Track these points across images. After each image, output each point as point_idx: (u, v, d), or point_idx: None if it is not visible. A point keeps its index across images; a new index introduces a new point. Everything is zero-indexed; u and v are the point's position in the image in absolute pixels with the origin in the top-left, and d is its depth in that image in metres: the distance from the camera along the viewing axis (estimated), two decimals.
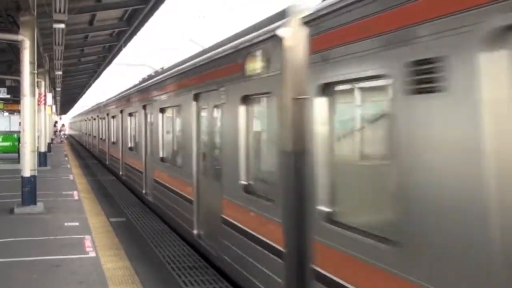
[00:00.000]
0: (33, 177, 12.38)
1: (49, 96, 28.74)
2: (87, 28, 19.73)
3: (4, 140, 25.79)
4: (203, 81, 8.27)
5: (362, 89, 4.30)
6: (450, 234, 3.02)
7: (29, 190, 12.23)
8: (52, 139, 39.06)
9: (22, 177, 12.33)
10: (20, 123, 25.82)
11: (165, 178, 11.20)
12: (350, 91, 4.42)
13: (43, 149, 23.22)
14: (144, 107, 13.76)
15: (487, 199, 2.74)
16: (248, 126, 6.56)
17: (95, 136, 30.87)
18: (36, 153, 13.21)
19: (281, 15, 5.61)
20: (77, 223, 10.72)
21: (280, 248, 5.19)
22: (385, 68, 3.62)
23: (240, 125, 6.61)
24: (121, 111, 18.83)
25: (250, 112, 6.55)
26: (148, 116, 13.37)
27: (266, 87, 5.69)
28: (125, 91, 19.29)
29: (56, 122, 50.22)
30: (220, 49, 7.51)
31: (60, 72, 23.53)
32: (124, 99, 18.51)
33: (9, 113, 34.16)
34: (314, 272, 4.57)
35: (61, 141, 49.54)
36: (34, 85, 12.94)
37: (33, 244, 9.01)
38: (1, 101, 29.01)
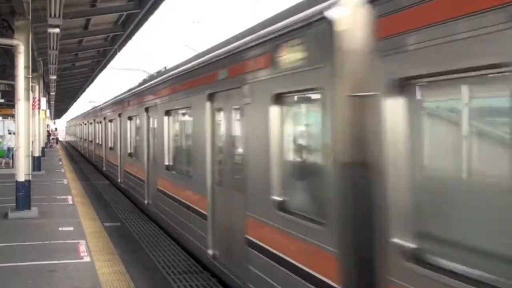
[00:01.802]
0: (27, 181, 12.35)
1: (43, 101, 28.69)
2: (82, 33, 19.73)
3: None
4: None
5: (457, 85, 3.30)
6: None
7: (23, 194, 12.19)
8: (46, 143, 38.94)
9: (16, 181, 12.29)
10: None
11: (287, 246, 5.17)
12: (438, 87, 3.51)
13: (37, 153, 23.15)
14: (211, 97, 7.56)
15: None
16: None
17: (100, 144, 24.79)
18: (30, 157, 13.17)
19: None
20: (71, 228, 10.69)
21: None
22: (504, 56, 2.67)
23: None
24: (147, 109, 12.56)
25: None
26: (232, 116, 7.00)
27: None
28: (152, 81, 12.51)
29: (48, 126, 49.73)
30: None
31: (55, 77, 23.51)
32: (155, 90, 11.73)
33: (3, 118, 34.04)
34: None
35: (51, 145, 48.73)
36: (28, 89, 12.92)
37: (27, 249, 8.98)
38: None
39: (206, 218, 7.69)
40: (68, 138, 69.57)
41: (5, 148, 25.01)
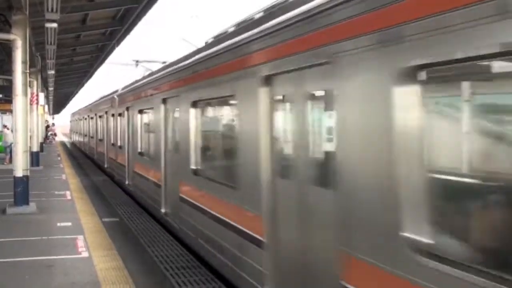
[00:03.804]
0: (26, 177, 12.32)
1: (41, 96, 28.61)
2: (80, 27, 19.64)
3: None
4: None
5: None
6: None
7: (22, 190, 12.17)
8: (44, 139, 38.84)
9: (14, 177, 12.26)
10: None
11: None
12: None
13: (35, 148, 23.10)
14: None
15: None
16: None
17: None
18: (28, 153, 13.13)
19: None
20: (69, 223, 10.68)
21: None
22: None
23: None
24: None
25: None
26: None
27: None
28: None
29: (46, 121, 49.39)
30: None
31: (53, 72, 23.42)
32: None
33: (1, 113, 33.93)
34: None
35: (50, 141, 48.38)
36: (26, 84, 12.87)
37: (25, 245, 8.97)
38: None
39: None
40: (76, 138, 46.71)
41: (5, 144, 24.80)
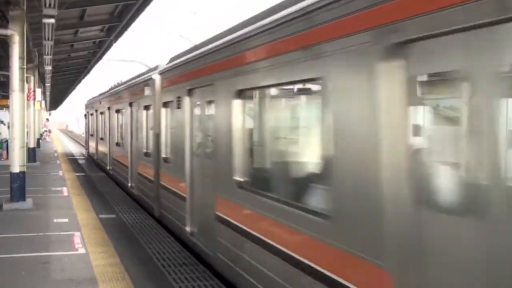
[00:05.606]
0: (22, 173, 12.29)
1: (38, 92, 28.53)
2: (78, 23, 19.55)
3: None
4: None
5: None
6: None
7: (18, 186, 12.14)
8: (41, 135, 38.73)
9: (11, 173, 12.22)
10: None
11: None
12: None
13: (32, 144, 23.04)
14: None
15: None
16: None
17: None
18: (25, 148, 13.09)
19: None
20: (66, 220, 10.66)
21: None
22: None
23: None
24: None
25: None
26: None
27: None
28: None
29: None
30: None
31: (50, 67, 23.31)
32: None
33: None
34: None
35: (43, 138, 48.10)
36: (23, 80, 12.84)
37: (22, 241, 8.94)
38: None
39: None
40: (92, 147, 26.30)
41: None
